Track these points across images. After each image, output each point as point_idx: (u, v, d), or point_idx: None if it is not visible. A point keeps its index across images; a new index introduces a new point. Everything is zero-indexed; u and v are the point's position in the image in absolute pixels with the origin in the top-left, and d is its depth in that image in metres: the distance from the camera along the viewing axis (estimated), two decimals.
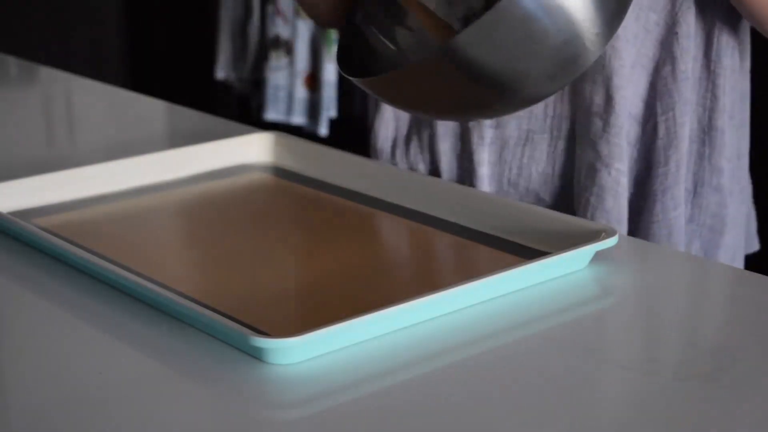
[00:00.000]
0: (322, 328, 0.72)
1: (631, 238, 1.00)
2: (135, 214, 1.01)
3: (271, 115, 2.91)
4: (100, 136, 1.37)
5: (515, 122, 1.08)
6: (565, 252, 0.84)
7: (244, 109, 3.15)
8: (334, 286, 0.85)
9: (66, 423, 0.67)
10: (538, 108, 1.06)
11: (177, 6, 3.30)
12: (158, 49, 3.45)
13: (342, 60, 0.94)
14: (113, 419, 0.68)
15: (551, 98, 1.06)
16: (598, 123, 1.04)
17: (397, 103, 0.92)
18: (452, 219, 0.97)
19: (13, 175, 1.03)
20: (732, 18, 1.06)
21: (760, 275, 0.86)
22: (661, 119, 1.05)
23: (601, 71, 1.03)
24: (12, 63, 1.78)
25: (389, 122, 1.16)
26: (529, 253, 0.89)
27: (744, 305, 0.83)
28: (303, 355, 0.73)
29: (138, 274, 0.84)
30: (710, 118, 1.06)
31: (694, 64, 1.05)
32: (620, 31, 1.01)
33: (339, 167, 1.07)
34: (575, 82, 1.04)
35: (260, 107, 2.98)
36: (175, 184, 1.08)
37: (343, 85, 2.83)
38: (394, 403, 0.69)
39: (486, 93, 0.83)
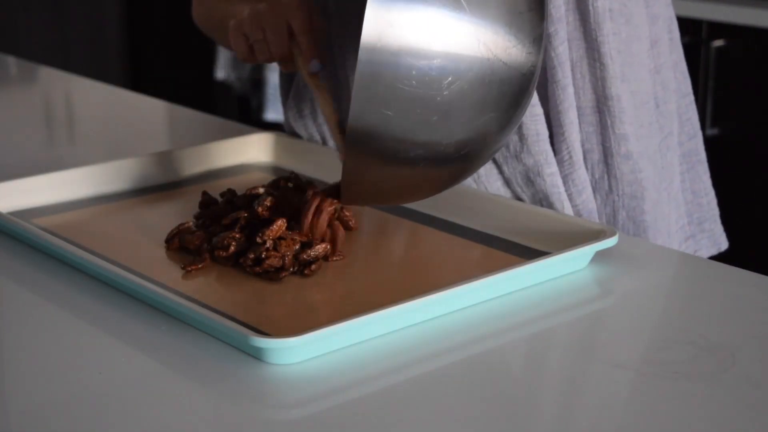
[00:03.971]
0: (322, 328, 0.72)
1: (631, 238, 1.00)
2: (135, 214, 1.01)
3: (271, 115, 2.91)
4: (100, 136, 1.37)
5: None
6: (565, 252, 0.84)
7: (244, 109, 3.15)
8: (334, 287, 0.85)
9: (66, 423, 0.67)
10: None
11: (177, 6, 3.30)
12: (158, 49, 3.45)
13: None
14: (113, 419, 0.68)
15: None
16: (514, 138, 1.03)
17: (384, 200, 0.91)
18: (452, 219, 0.97)
19: (13, 175, 1.03)
20: None
21: (760, 275, 0.86)
22: (549, 108, 1.03)
23: None
24: (12, 63, 1.78)
25: None
26: (529, 253, 0.89)
27: (744, 305, 0.83)
28: (303, 355, 0.73)
29: (138, 274, 0.84)
30: (604, 87, 1.04)
31: (573, 35, 1.03)
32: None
33: (338, 167, 1.07)
34: None
35: (260, 107, 2.97)
36: (176, 184, 1.08)
37: None
38: (394, 403, 0.69)
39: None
